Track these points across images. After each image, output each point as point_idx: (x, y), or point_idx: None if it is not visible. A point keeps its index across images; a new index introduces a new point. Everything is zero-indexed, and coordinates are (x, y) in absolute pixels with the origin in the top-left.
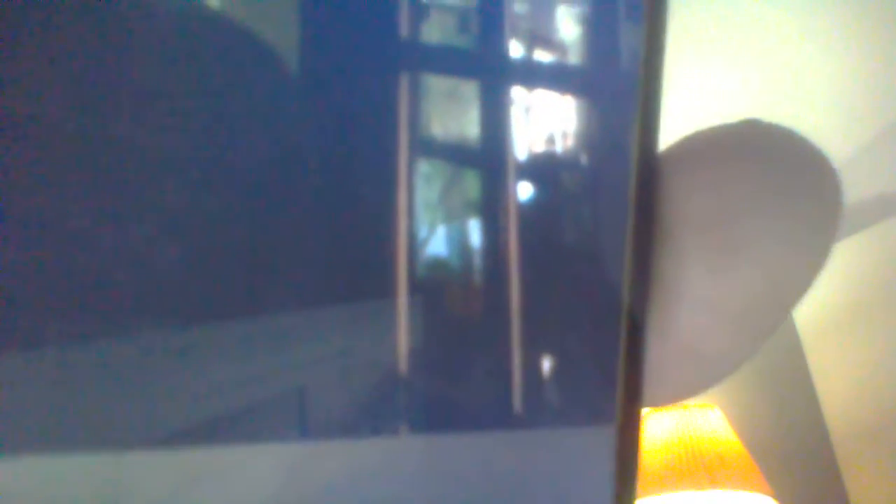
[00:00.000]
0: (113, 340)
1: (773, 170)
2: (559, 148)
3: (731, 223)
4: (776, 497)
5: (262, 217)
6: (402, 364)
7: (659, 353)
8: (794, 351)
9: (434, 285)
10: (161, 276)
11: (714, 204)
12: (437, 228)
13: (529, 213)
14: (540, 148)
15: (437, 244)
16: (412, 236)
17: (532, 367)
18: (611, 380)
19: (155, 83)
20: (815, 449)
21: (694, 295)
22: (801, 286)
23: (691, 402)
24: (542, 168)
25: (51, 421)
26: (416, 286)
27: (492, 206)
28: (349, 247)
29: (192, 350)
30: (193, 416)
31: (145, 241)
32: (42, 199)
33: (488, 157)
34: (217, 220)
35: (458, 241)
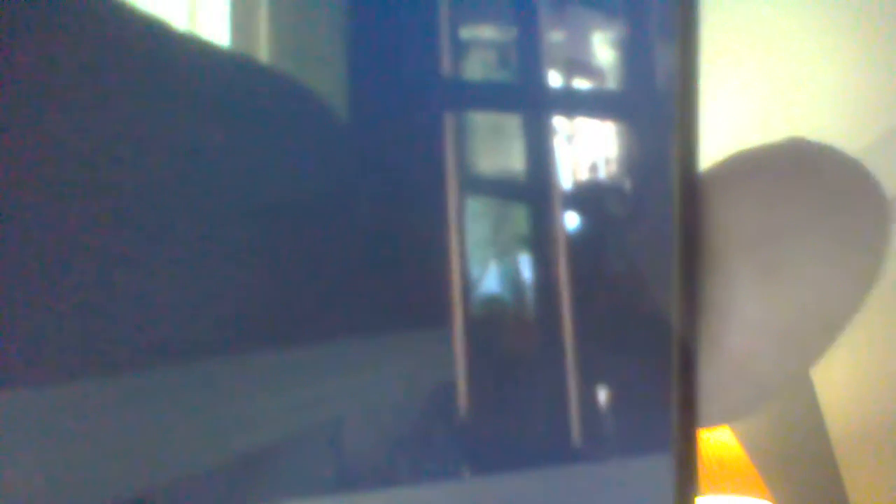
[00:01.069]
0: (147, 372)
1: (821, 189)
2: (602, 174)
3: (779, 243)
4: (776, 501)
5: (317, 258)
6: (458, 402)
7: (709, 375)
8: None
9: (487, 321)
10: (205, 308)
11: (762, 224)
12: (490, 265)
13: (577, 243)
14: (584, 176)
15: (489, 280)
16: (465, 275)
17: (588, 399)
18: (665, 405)
19: (206, 134)
20: (815, 452)
21: (743, 316)
22: (850, 306)
23: None
24: (587, 196)
25: (78, 456)
26: (469, 323)
27: (541, 239)
28: (404, 288)
29: (232, 381)
30: (228, 449)
31: (189, 275)
32: (76, 233)
33: (535, 190)
34: (273, 261)
35: (510, 276)
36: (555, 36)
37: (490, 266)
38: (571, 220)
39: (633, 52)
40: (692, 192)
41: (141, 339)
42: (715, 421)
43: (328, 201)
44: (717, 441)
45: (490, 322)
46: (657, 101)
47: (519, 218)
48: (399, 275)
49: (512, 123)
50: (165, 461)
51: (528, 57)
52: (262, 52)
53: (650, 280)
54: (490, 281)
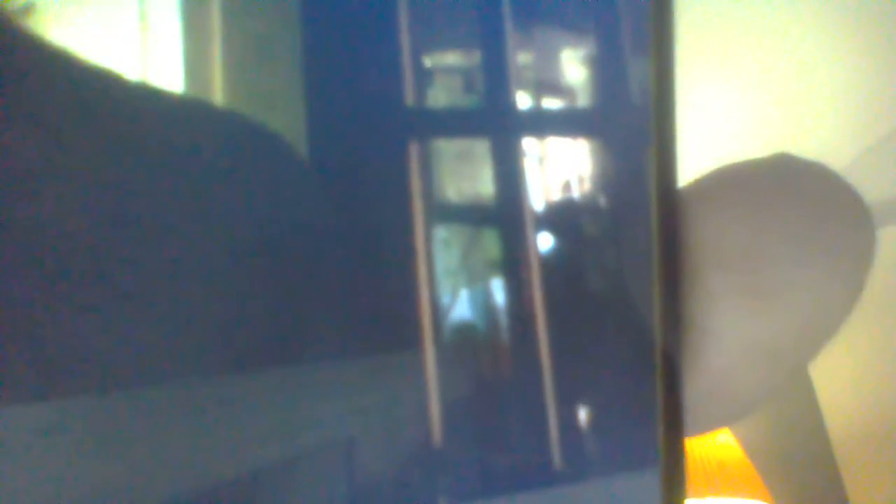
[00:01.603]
0: (155, 389)
1: (807, 208)
2: (577, 194)
3: (764, 265)
4: (776, 503)
5: (291, 288)
6: (436, 430)
7: (690, 389)
8: None
9: (461, 349)
10: (203, 330)
11: (746, 245)
12: (460, 292)
13: (552, 265)
14: (557, 197)
15: (461, 308)
16: (435, 304)
17: (570, 420)
18: (650, 420)
19: (166, 182)
20: (815, 453)
21: (723, 335)
22: (834, 324)
23: None
24: (562, 217)
25: (90, 472)
26: (442, 353)
27: (514, 263)
28: (373, 321)
29: (232, 401)
30: (235, 467)
31: (194, 299)
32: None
33: (506, 214)
34: (251, 290)
35: (483, 302)
36: (522, 57)
37: (460, 292)
38: (545, 242)
39: (605, 67)
40: (671, 207)
41: (132, 360)
42: (693, 432)
43: (297, 237)
44: (716, 443)
45: (463, 348)
46: (632, 116)
47: (490, 242)
48: (368, 305)
49: (480, 148)
50: (178, 476)
51: (494, 79)
52: (217, 94)
53: (631, 297)
54: (461, 307)
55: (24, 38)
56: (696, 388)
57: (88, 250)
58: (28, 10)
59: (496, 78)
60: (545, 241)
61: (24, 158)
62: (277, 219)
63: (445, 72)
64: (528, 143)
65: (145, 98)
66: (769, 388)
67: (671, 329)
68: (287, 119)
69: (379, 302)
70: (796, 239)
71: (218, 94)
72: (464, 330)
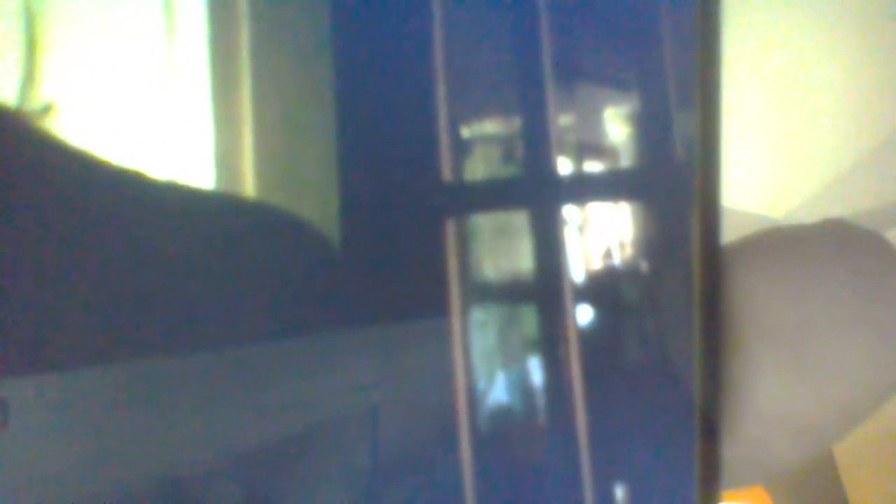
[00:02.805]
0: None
1: (859, 285)
2: (618, 261)
3: (810, 342)
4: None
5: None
6: None
7: (724, 453)
8: None
9: (498, 435)
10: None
11: (794, 319)
12: (497, 375)
13: (592, 338)
14: (597, 266)
15: (497, 392)
16: (471, 391)
17: (608, 499)
18: (688, 495)
19: (204, 276)
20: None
21: (765, 407)
22: (873, 405)
23: None
24: (602, 287)
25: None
26: (480, 442)
27: (552, 340)
28: (408, 415)
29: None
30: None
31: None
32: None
33: (545, 289)
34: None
35: (519, 383)
36: (563, 119)
37: (497, 375)
38: (584, 315)
39: (649, 122)
40: (715, 269)
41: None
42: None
43: (331, 323)
44: None
45: (501, 435)
46: (675, 172)
47: (528, 320)
48: (401, 397)
49: (519, 220)
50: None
51: (535, 145)
52: (247, 183)
53: (670, 365)
54: (498, 391)
55: (50, 143)
56: (732, 453)
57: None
58: (48, 110)
59: (536, 143)
60: (585, 314)
61: (55, 260)
62: (308, 309)
63: (484, 141)
64: (569, 211)
65: (174, 198)
66: (803, 457)
67: (711, 397)
68: (319, 203)
69: (412, 392)
70: (845, 318)
71: (248, 183)
72: (500, 415)
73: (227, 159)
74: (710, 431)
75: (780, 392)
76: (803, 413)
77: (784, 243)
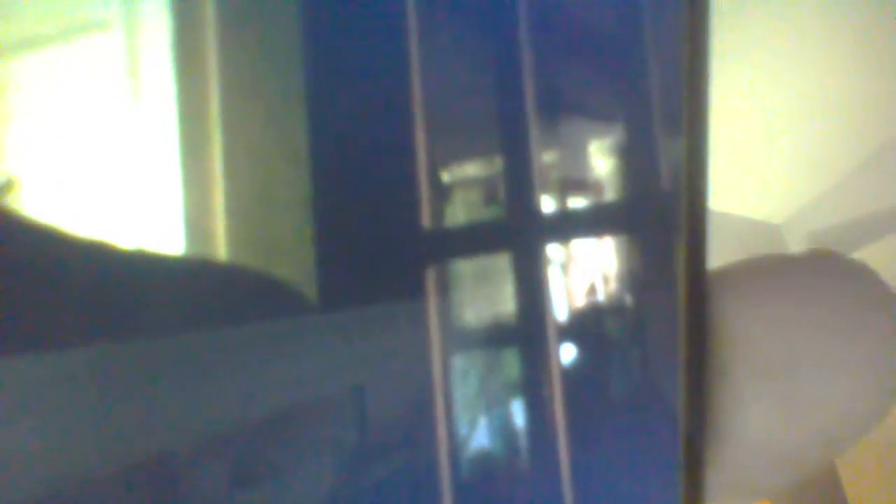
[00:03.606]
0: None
1: (846, 317)
2: (602, 296)
3: (796, 375)
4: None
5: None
6: None
7: (710, 482)
8: None
9: (481, 480)
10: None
11: (780, 351)
12: (479, 422)
13: (575, 378)
14: (581, 303)
15: (479, 437)
16: (453, 439)
17: None
18: None
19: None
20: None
21: (750, 437)
22: (860, 434)
23: None
24: (586, 325)
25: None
26: (463, 487)
27: (535, 382)
28: (386, 460)
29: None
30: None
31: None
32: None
33: (527, 331)
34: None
35: (502, 428)
36: (546, 156)
37: (479, 422)
38: (568, 354)
39: (634, 153)
40: (700, 298)
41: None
42: None
43: (304, 387)
44: None
45: (484, 481)
46: (660, 203)
47: (510, 364)
48: (381, 447)
49: (501, 264)
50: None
51: (517, 185)
52: (219, 245)
53: (655, 399)
54: (480, 436)
55: (10, 221)
56: (717, 481)
57: None
58: (8, 186)
59: (519, 183)
60: (568, 354)
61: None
62: (286, 373)
63: (464, 185)
64: (552, 250)
65: (142, 266)
66: (786, 484)
67: (696, 426)
68: (294, 261)
69: (393, 442)
70: (832, 349)
71: (220, 245)
72: (482, 460)
73: (196, 221)
74: (695, 460)
75: (765, 421)
76: (788, 442)
77: (771, 273)
